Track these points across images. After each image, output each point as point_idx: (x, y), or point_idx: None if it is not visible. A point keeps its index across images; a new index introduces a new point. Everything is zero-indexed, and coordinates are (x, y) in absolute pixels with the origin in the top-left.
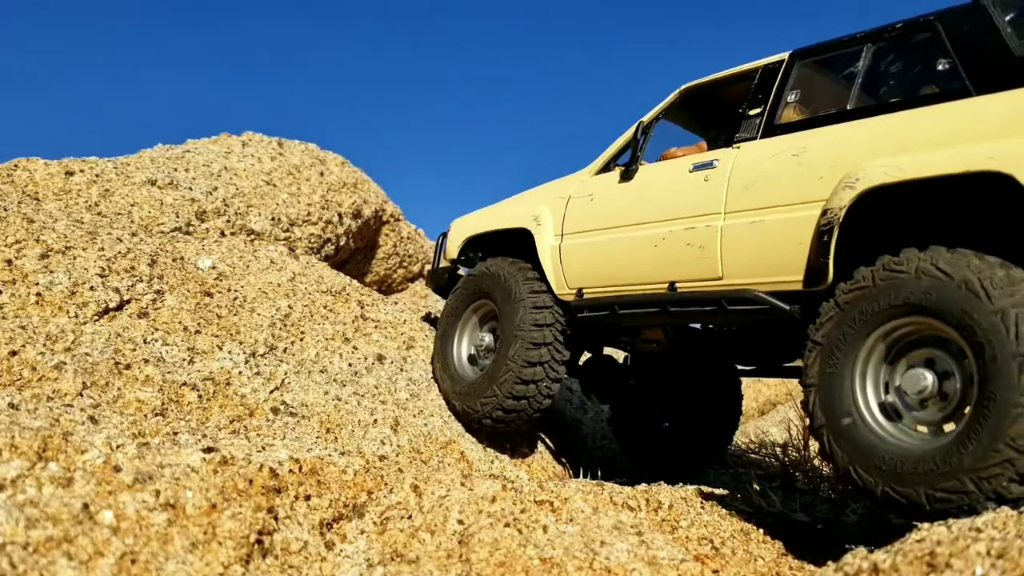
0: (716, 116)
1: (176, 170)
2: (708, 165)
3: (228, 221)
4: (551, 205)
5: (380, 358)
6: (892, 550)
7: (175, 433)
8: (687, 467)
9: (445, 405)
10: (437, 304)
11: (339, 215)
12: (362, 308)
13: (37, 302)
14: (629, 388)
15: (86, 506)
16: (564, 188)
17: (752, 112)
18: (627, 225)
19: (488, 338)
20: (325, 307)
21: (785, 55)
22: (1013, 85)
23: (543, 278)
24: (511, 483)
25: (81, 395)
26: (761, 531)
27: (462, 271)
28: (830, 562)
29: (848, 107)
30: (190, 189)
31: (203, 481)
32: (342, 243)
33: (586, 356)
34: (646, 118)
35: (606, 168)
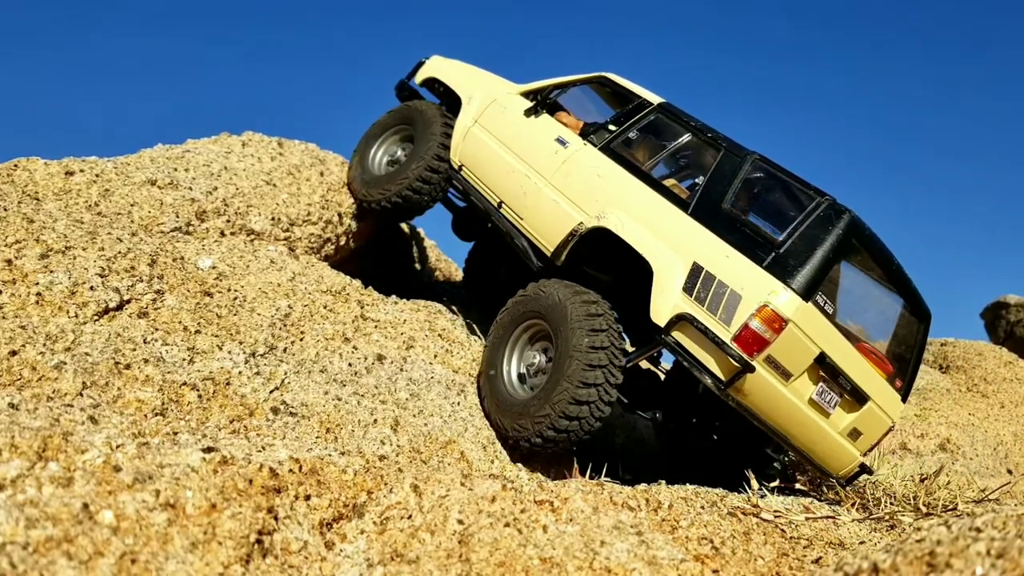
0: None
1: (176, 170)
2: (564, 143)
3: (228, 221)
4: (483, 97)
5: (380, 358)
6: (892, 550)
7: (175, 433)
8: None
9: (445, 405)
10: (436, 304)
11: (339, 215)
12: (362, 308)
13: (37, 302)
14: (484, 234)
15: (86, 506)
16: (497, 91)
17: (611, 127)
18: (507, 148)
19: (400, 153)
20: (325, 307)
21: (658, 100)
22: (702, 220)
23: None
24: (511, 483)
25: (81, 395)
26: (761, 531)
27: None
28: (830, 562)
29: (641, 165)
30: (190, 189)
31: (203, 481)
32: (342, 243)
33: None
34: (560, 81)
35: (527, 95)
